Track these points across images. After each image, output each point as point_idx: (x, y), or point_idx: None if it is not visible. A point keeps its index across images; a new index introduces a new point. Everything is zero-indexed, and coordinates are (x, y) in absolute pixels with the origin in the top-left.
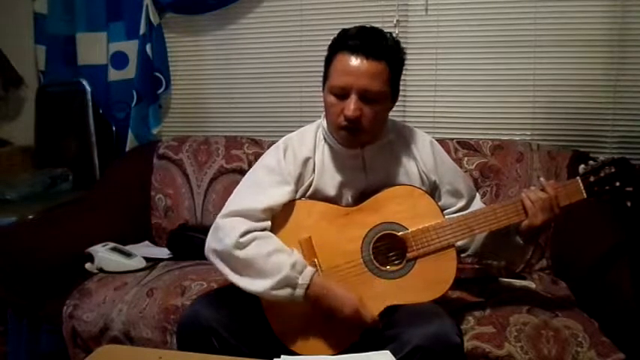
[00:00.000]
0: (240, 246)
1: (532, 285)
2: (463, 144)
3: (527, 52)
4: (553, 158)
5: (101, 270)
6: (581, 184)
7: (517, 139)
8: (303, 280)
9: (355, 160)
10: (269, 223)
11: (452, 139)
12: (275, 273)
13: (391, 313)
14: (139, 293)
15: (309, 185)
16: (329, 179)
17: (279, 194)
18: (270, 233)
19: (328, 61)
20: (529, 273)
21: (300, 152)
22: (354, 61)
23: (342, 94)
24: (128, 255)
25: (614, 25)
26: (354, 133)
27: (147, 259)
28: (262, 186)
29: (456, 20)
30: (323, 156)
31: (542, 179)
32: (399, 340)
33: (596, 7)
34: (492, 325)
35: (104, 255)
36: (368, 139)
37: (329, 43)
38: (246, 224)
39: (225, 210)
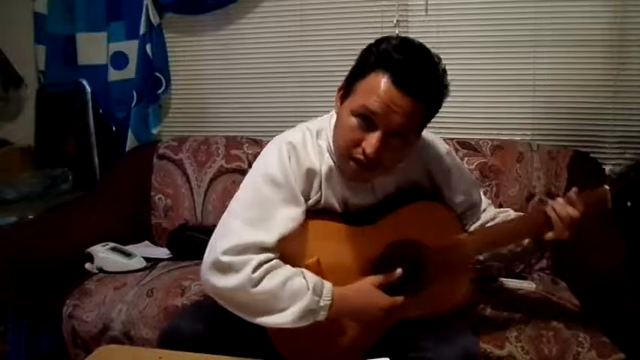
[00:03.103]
0: (254, 282)
1: (532, 285)
2: (463, 144)
3: (527, 52)
4: (553, 158)
5: (101, 270)
6: (609, 196)
7: (517, 139)
8: (324, 302)
9: (363, 184)
10: (279, 255)
11: (452, 139)
12: (294, 301)
13: (407, 329)
14: (139, 293)
15: (315, 202)
16: (335, 198)
17: (290, 219)
18: (279, 262)
19: (361, 71)
20: (529, 273)
21: (304, 161)
22: (395, 92)
23: (367, 121)
24: (128, 255)
25: (614, 25)
26: (367, 169)
27: (147, 259)
28: (269, 207)
29: (456, 20)
30: (330, 174)
31: (573, 193)
32: None
33: (596, 7)
34: (492, 325)
35: (104, 255)
36: (380, 175)
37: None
38: (257, 258)
39: (228, 243)
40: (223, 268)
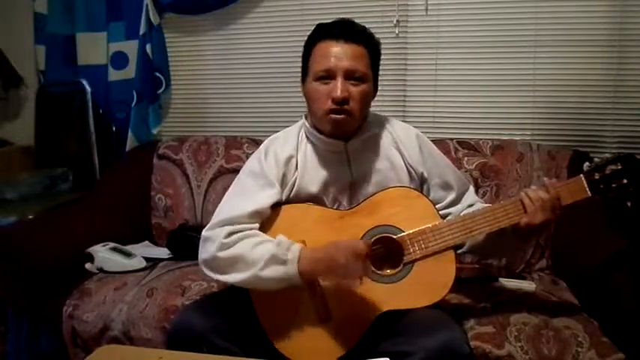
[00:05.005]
0: (225, 247)
1: (532, 285)
2: (463, 144)
3: (527, 52)
4: (553, 158)
5: (101, 270)
6: (584, 182)
7: (517, 139)
8: (292, 255)
9: (339, 156)
10: (257, 225)
11: (452, 139)
12: (262, 257)
13: (394, 322)
14: (139, 293)
15: (293, 184)
16: (313, 176)
17: (264, 197)
18: (257, 231)
19: (307, 54)
20: (529, 273)
21: (281, 152)
22: (337, 46)
23: (327, 77)
24: (128, 255)
25: (614, 25)
26: (342, 115)
27: (147, 259)
28: (247, 192)
29: (456, 20)
30: (306, 154)
31: (545, 178)
32: (405, 354)
33: (596, 7)
34: (492, 325)
35: (104, 255)
36: (354, 124)
37: None
38: (231, 228)
39: (212, 221)
40: (204, 242)
